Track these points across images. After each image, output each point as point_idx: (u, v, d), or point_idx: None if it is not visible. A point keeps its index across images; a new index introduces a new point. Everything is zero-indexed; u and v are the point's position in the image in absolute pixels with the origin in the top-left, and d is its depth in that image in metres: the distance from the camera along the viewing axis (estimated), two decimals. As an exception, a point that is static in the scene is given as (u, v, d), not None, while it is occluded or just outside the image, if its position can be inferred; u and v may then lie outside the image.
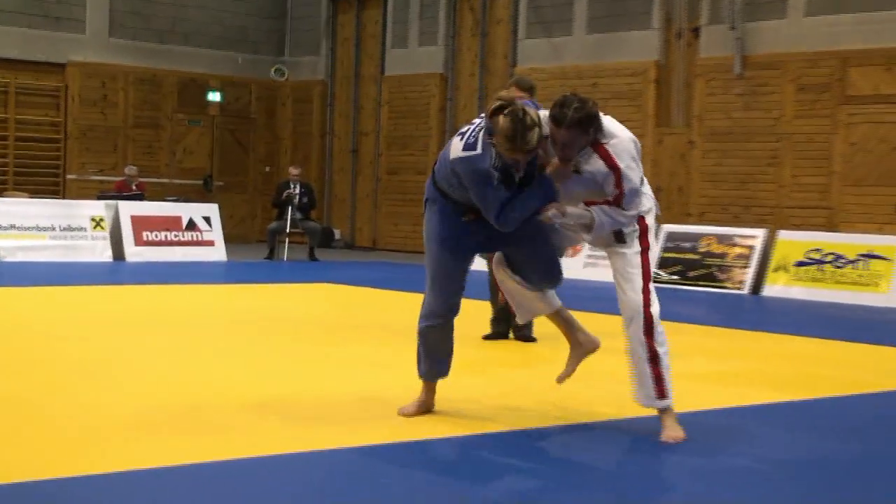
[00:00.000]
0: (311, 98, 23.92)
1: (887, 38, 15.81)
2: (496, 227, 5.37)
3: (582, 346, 5.81)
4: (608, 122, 5.36)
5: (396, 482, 4.58)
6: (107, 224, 16.81)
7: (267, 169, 24.17)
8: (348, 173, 23.45)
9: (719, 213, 17.29)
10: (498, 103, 5.23)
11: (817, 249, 14.76)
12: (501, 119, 5.15)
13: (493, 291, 8.82)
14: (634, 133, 5.59)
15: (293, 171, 18.80)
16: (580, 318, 5.96)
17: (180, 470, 4.61)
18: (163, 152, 22.80)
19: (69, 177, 21.61)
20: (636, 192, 5.32)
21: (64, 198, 19.92)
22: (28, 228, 16.16)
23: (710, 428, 5.81)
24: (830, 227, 16.04)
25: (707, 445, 5.40)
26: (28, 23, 21.14)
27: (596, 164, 5.32)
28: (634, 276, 5.40)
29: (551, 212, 5.31)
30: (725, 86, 17.43)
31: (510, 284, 5.76)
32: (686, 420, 5.59)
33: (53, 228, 16.37)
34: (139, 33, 22.42)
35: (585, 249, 14.69)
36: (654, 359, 5.39)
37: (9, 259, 15.69)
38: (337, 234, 23.07)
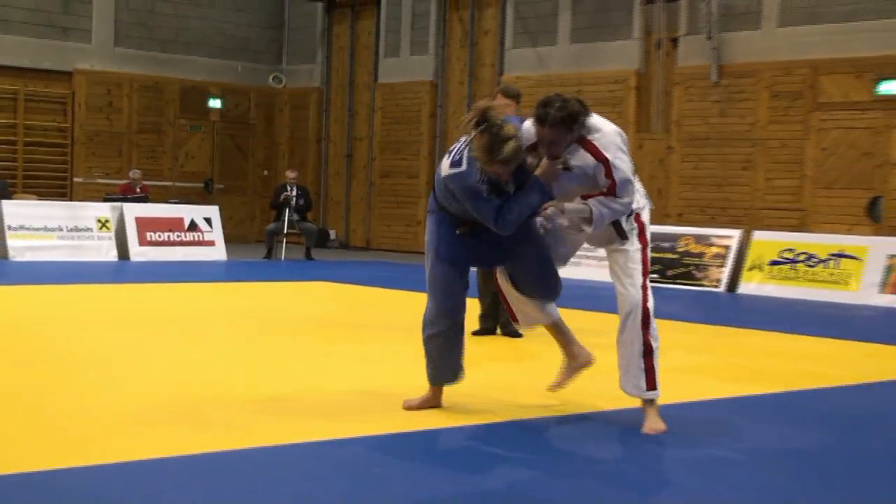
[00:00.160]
0: (308, 105, 23.89)
1: (856, 48, 15.82)
2: (496, 231, 5.35)
3: (576, 360, 5.82)
4: (592, 117, 5.34)
5: (394, 473, 4.55)
6: (112, 225, 16.77)
7: (265, 172, 24.13)
8: (343, 176, 23.42)
9: (697, 214, 17.30)
10: (475, 118, 5.19)
11: (790, 249, 14.77)
12: (478, 134, 5.15)
13: (481, 289, 8.82)
14: (617, 136, 5.57)
15: (290, 174, 18.77)
16: (565, 314, 5.94)
17: (183, 460, 4.58)
18: (166, 156, 22.75)
19: (76, 180, 21.57)
20: (628, 181, 5.29)
21: (71, 200, 19.87)
22: (37, 229, 16.10)
23: (690, 419, 5.79)
24: (803, 227, 16.05)
25: (688, 437, 5.39)
26: (37, 33, 21.09)
27: (584, 159, 5.30)
28: (635, 272, 5.39)
29: (550, 210, 5.30)
30: (702, 93, 17.44)
31: (512, 293, 5.74)
32: (667, 412, 5.58)
33: (61, 229, 16.31)
34: (143, 43, 22.38)
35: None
36: (648, 352, 5.38)
37: (18, 258, 15.64)
38: (332, 234, 23.03)
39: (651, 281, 5.47)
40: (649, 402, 5.46)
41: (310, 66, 23.88)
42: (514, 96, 8.39)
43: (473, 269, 5.78)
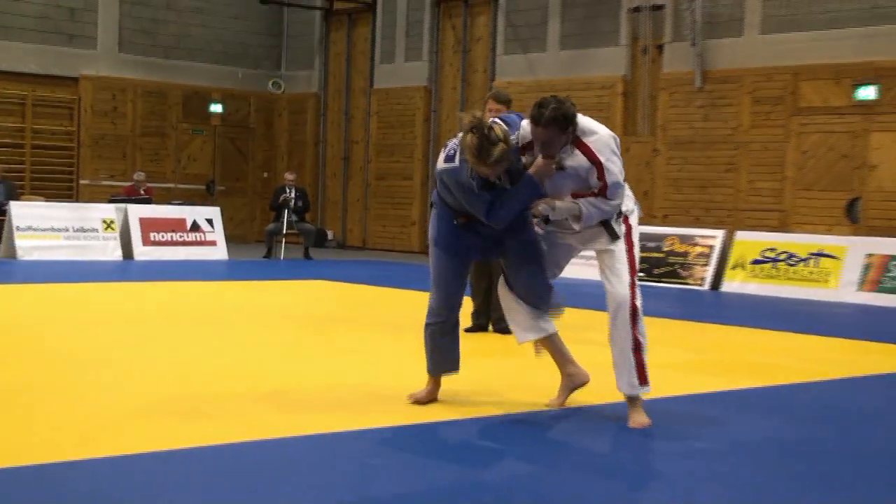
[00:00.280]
0: (306, 109, 23.87)
1: (835, 55, 15.84)
2: (488, 224, 5.38)
3: (571, 379, 5.78)
4: (587, 121, 5.34)
5: (391, 465, 4.54)
6: (117, 226, 16.74)
7: (265, 175, 24.10)
8: (340, 179, 23.40)
9: (682, 215, 17.31)
10: (469, 122, 5.21)
11: (772, 249, 14.78)
12: (469, 136, 5.17)
13: (474, 287, 8.81)
14: (606, 140, 5.56)
15: (289, 176, 18.74)
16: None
17: (187, 452, 4.57)
18: (169, 159, 22.72)
19: (82, 182, 21.53)
20: (618, 184, 5.30)
21: (77, 201, 19.82)
22: (44, 230, 16.06)
23: (674, 413, 5.79)
24: (784, 228, 16.06)
25: (675, 430, 5.38)
26: (44, 40, 21.06)
27: (578, 160, 5.30)
28: (622, 271, 5.37)
29: (541, 206, 5.31)
30: (687, 98, 17.44)
31: (511, 305, 5.71)
32: (654, 406, 5.58)
33: (67, 230, 16.28)
34: (147, 49, 22.34)
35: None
36: (638, 348, 5.37)
37: (26, 258, 15.61)
38: (330, 234, 23.01)
39: (638, 280, 5.46)
40: (632, 399, 5.45)
41: (308, 72, 23.86)
42: (506, 102, 8.37)
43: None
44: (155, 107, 22.48)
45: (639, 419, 5.40)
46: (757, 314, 11.85)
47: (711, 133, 17.16)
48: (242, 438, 4.84)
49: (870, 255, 13.83)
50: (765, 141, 16.57)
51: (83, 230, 16.39)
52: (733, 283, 14.88)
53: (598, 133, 5.32)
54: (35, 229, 15.98)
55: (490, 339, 8.71)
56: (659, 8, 17.84)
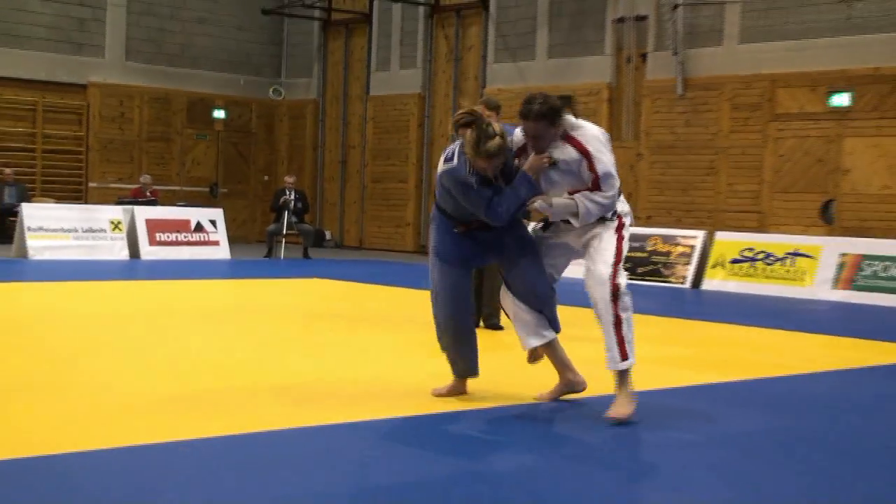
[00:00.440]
0: (305, 115, 23.83)
1: (811, 63, 15.84)
2: (488, 221, 5.35)
3: (568, 385, 5.73)
4: (575, 119, 5.32)
5: (388, 456, 4.51)
6: (124, 226, 16.69)
7: (266, 178, 24.06)
8: (338, 181, 23.36)
9: (664, 216, 17.30)
10: (465, 118, 5.25)
11: (750, 248, 14.77)
12: (468, 131, 5.21)
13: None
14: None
15: (289, 179, 18.71)
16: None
17: (193, 443, 4.52)
18: (174, 163, 22.67)
19: (90, 185, 21.48)
20: (609, 174, 5.26)
21: (86, 203, 19.77)
22: (54, 230, 16.01)
23: (666, 406, 5.76)
24: (761, 228, 16.06)
25: (659, 421, 5.35)
26: (54, 48, 21.01)
27: (568, 153, 5.27)
28: (607, 254, 5.30)
29: (538, 203, 5.28)
30: (669, 105, 17.43)
31: (516, 312, 5.66)
32: (639, 399, 5.53)
33: (76, 230, 16.22)
34: (153, 57, 22.29)
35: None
36: (618, 323, 5.27)
37: (37, 257, 15.55)
38: (328, 235, 22.98)
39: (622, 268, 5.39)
40: (622, 385, 5.33)
41: (307, 80, 23.82)
42: (495, 108, 8.33)
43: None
44: (160, 113, 22.43)
45: (619, 409, 5.25)
46: (736, 311, 11.84)
47: (692, 138, 17.15)
48: (243, 430, 4.80)
49: (843, 255, 13.83)
50: (743, 145, 16.57)
51: (92, 231, 16.33)
52: (713, 282, 14.87)
53: (584, 126, 5.33)
54: (46, 230, 15.93)
55: (480, 334, 8.62)
56: (642, 18, 17.83)
